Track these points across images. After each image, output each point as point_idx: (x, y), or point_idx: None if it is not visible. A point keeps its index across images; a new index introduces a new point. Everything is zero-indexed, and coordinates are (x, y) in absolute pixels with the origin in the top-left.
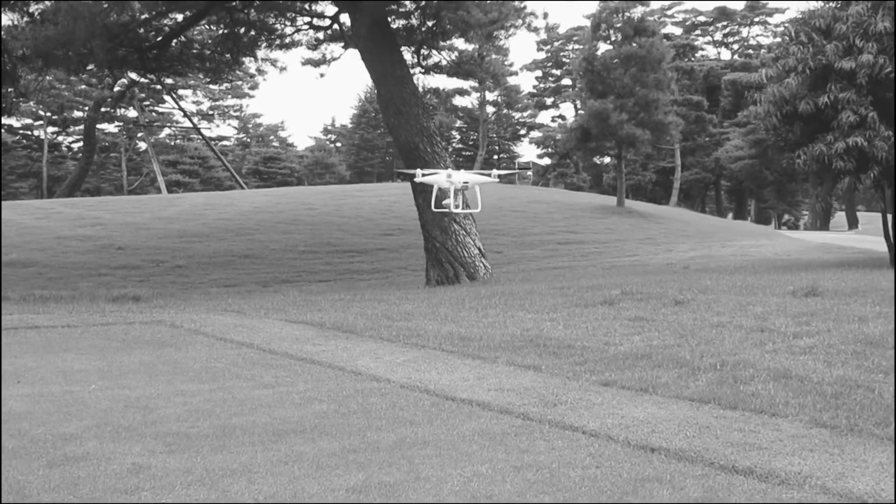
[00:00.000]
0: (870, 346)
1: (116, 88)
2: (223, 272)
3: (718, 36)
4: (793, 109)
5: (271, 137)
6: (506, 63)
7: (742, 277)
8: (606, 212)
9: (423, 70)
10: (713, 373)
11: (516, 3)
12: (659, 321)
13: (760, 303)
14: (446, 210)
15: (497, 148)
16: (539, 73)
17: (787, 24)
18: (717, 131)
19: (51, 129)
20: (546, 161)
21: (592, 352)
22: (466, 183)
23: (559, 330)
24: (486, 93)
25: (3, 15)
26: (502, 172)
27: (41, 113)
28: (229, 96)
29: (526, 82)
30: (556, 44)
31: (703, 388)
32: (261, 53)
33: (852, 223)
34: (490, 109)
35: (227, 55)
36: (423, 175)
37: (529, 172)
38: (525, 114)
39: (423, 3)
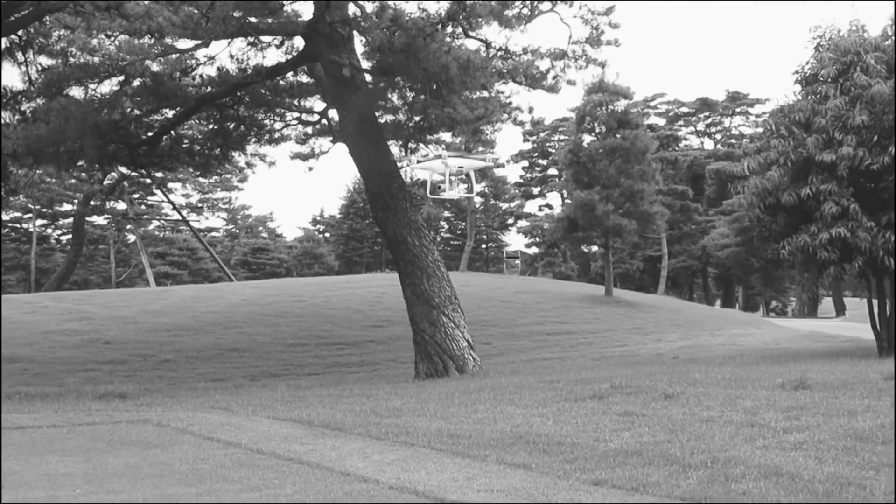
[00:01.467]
0: (860, 441)
1: (106, 182)
2: (211, 366)
3: (701, 126)
4: (776, 201)
5: (260, 228)
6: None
7: (731, 369)
8: (595, 301)
9: (410, 163)
10: (704, 470)
11: (502, 98)
12: (649, 416)
13: (750, 396)
14: (443, 196)
15: (485, 237)
16: (525, 163)
17: (767, 118)
18: (703, 219)
19: (40, 221)
20: (534, 250)
21: (582, 449)
22: (461, 167)
23: (549, 426)
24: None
25: None
26: (496, 157)
27: (30, 206)
28: (218, 189)
29: (513, 173)
30: (541, 134)
31: (695, 487)
32: (250, 148)
33: (840, 310)
34: (478, 200)
35: (217, 150)
36: (419, 162)
37: (518, 261)
38: (512, 204)
39: (411, 100)
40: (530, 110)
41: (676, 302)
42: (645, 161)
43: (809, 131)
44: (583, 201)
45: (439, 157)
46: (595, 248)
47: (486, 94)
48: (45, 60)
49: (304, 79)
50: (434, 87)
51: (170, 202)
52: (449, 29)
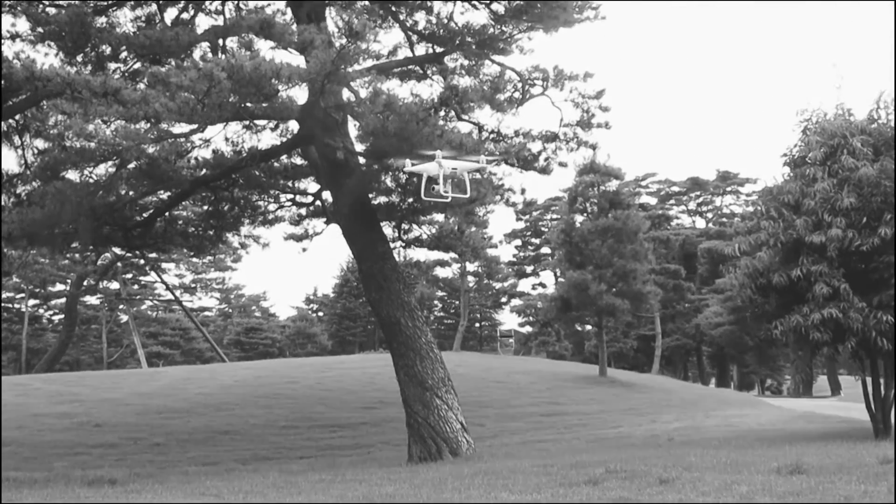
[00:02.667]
0: None
1: (100, 263)
2: (202, 449)
3: (692, 205)
4: (767, 281)
5: (253, 308)
6: (485, 236)
7: (727, 452)
8: (590, 381)
9: (403, 244)
10: None
11: (494, 179)
12: (644, 502)
13: (746, 481)
14: (437, 198)
15: (479, 316)
16: (518, 241)
17: (757, 199)
18: (696, 297)
19: (32, 301)
20: (528, 329)
21: None
22: (455, 169)
23: None
24: (467, 264)
25: None
26: (490, 158)
27: (23, 286)
28: (212, 269)
29: (506, 252)
30: (534, 213)
31: None
32: (244, 230)
33: (835, 389)
34: (471, 279)
35: (211, 232)
36: (413, 164)
37: (511, 340)
38: (506, 283)
39: (405, 182)
40: (522, 191)
41: (671, 381)
42: (637, 241)
43: (799, 213)
44: (576, 281)
45: (433, 157)
46: (589, 327)
47: (478, 176)
48: (41, 143)
49: (299, 161)
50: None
51: (163, 282)
52: (442, 112)
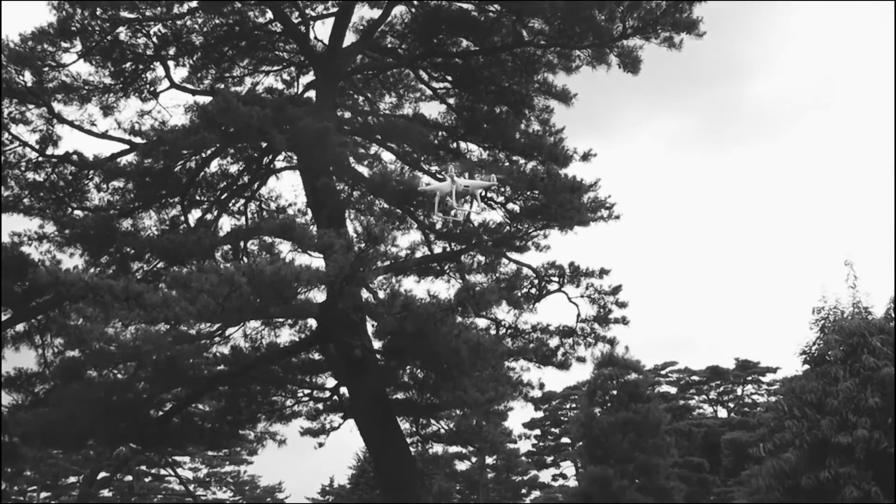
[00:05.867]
0: None
1: (113, 456)
2: None
3: (713, 394)
4: (795, 483)
5: (268, 500)
6: (504, 431)
7: None
8: None
9: (420, 439)
10: None
11: (512, 375)
12: None
13: None
14: (450, 216)
15: None
16: (538, 431)
17: (780, 399)
18: (721, 489)
19: (44, 494)
20: None
21: None
22: (468, 187)
23: None
24: (486, 457)
25: (3, 397)
26: (501, 176)
27: (35, 476)
28: (227, 463)
29: (524, 443)
30: (553, 402)
31: None
32: (260, 426)
33: None
34: (490, 473)
35: (227, 428)
36: (428, 185)
37: None
38: (525, 477)
39: (422, 378)
40: (541, 387)
41: None
42: (659, 434)
43: (822, 412)
44: (597, 476)
45: (443, 175)
46: None
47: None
48: (60, 341)
49: (316, 356)
50: (445, 367)
51: (177, 476)
52: (459, 309)
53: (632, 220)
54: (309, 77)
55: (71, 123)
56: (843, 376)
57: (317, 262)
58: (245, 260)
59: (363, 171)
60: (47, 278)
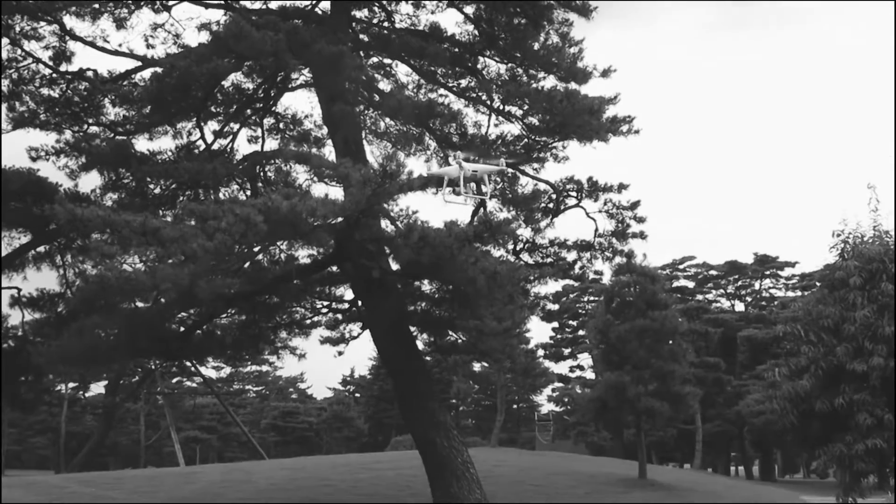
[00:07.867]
0: None
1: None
2: None
3: (731, 289)
4: (809, 408)
5: (290, 390)
6: (522, 344)
7: None
8: (629, 485)
9: (437, 349)
10: None
11: (527, 301)
12: None
13: None
14: (458, 200)
15: (517, 398)
16: (555, 323)
17: (797, 326)
18: (738, 383)
19: (71, 384)
20: (566, 418)
21: None
22: (476, 171)
23: None
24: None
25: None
26: (510, 160)
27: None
28: (249, 363)
29: (542, 333)
30: (571, 296)
31: None
32: (280, 338)
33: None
34: (508, 377)
35: (247, 341)
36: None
37: (551, 423)
38: (542, 379)
39: (440, 298)
40: (558, 299)
41: (715, 481)
42: (675, 341)
43: (839, 338)
44: (613, 382)
45: (450, 159)
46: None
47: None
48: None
49: (335, 269)
50: (462, 294)
51: (201, 376)
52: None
53: (653, 115)
54: None
55: (83, 40)
56: (860, 303)
57: (333, 191)
58: (261, 186)
59: (382, 87)
60: (65, 215)
